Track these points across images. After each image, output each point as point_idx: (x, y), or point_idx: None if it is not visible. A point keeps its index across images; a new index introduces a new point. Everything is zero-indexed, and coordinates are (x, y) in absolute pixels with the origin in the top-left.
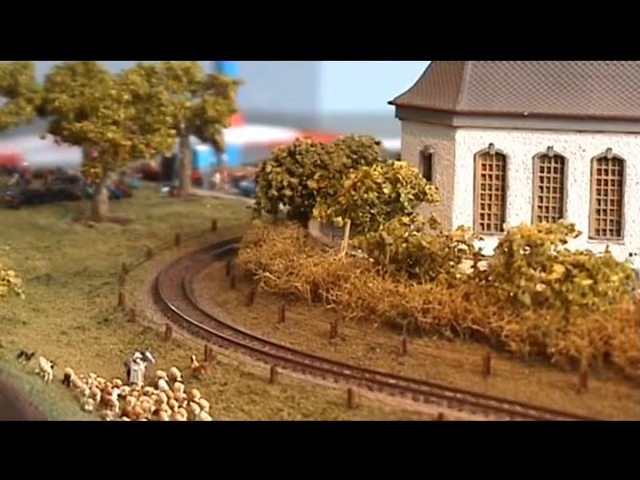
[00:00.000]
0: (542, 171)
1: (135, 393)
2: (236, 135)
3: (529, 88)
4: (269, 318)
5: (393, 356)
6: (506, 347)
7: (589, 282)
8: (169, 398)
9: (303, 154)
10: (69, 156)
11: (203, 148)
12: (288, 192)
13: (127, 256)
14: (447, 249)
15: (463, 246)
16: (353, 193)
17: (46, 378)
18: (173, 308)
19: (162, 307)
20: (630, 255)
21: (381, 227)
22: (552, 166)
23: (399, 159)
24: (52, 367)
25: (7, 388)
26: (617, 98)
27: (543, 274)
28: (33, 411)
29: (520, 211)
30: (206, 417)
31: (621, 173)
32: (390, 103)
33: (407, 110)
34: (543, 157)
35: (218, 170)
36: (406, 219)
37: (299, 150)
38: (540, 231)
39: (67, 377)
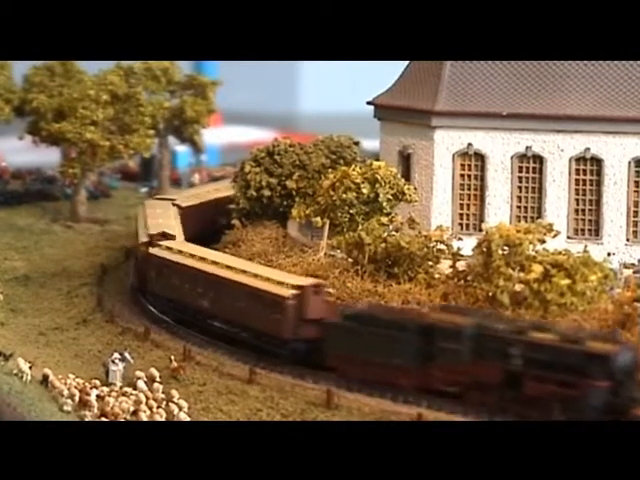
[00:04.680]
0: (521, 171)
1: (114, 394)
2: (215, 135)
3: (507, 88)
4: None
5: None
6: None
7: (567, 282)
8: (148, 399)
9: (282, 154)
10: (47, 157)
11: (182, 148)
12: (267, 192)
13: (106, 257)
14: (426, 249)
15: (442, 246)
16: (332, 193)
17: (24, 379)
18: (151, 308)
19: (141, 308)
20: (608, 255)
21: (360, 227)
22: (531, 166)
23: (378, 159)
24: (30, 368)
25: None
26: (595, 98)
27: (522, 274)
28: (11, 412)
29: (499, 211)
30: (185, 417)
31: (599, 173)
32: (369, 103)
33: (386, 110)
34: (522, 157)
35: (197, 170)
36: (385, 219)
37: (278, 150)
38: (519, 231)
39: (45, 378)
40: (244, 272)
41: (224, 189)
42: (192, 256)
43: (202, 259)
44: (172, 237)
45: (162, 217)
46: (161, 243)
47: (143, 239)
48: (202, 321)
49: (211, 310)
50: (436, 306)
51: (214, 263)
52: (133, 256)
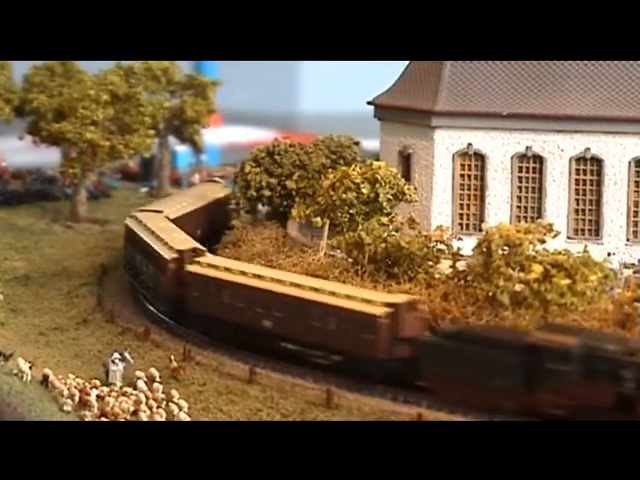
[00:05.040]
0: (521, 171)
1: (114, 394)
2: (215, 135)
3: (507, 88)
4: None
5: None
6: None
7: (567, 282)
8: (148, 399)
9: (282, 154)
10: (47, 157)
11: (182, 148)
12: (267, 192)
13: (106, 257)
14: (426, 249)
15: (442, 246)
16: (332, 193)
17: (24, 379)
18: (152, 309)
19: (141, 308)
20: (608, 255)
21: (360, 227)
22: (531, 166)
23: (378, 159)
24: (30, 368)
25: None
26: (596, 98)
27: (522, 274)
28: (11, 412)
29: (499, 211)
30: (185, 417)
31: (600, 173)
32: (369, 103)
33: (386, 110)
34: (522, 157)
35: (197, 170)
36: (385, 219)
37: (278, 150)
38: (519, 231)
39: (45, 378)
40: (317, 290)
41: (205, 193)
42: (244, 273)
43: (258, 277)
44: (202, 252)
45: (174, 231)
46: (200, 260)
47: (170, 255)
48: (264, 342)
49: (277, 331)
50: (541, 325)
51: (277, 281)
52: (150, 273)
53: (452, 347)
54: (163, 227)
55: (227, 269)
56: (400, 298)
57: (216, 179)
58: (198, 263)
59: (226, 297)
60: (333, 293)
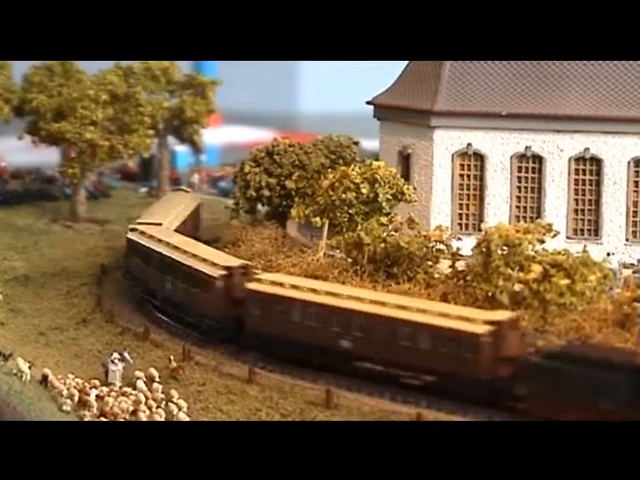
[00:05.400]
0: (520, 171)
1: (113, 394)
2: (215, 135)
3: (507, 88)
4: None
5: None
6: None
7: (567, 282)
8: (147, 398)
9: (281, 154)
10: (47, 157)
11: (181, 148)
12: (266, 192)
13: (105, 257)
14: (425, 249)
15: (441, 246)
16: (331, 193)
17: (24, 379)
18: (151, 309)
19: (140, 308)
20: (608, 255)
21: (359, 227)
22: (530, 166)
23: (377, 159)
24: (30, 368)
25: None
26: (595, 98)
27: (521, 274)
28: (11, 411)
29: (498, 211)
30: (184, 417)
31: (599, 173)
32: (368, 103)
33: (385, 110)
34: (521, 157)
35: (196, 170)
36: (384, 219)
37: (277, 150)
38: (518, 231)
39: (45, 378)
40: (405, 308)
41: (183, 203)
42: (315, 291)
43: (333, 294)
44: (251, 268)
45: (198, 245)
46: (262, 277)
47: (216, 273)
48: (340, 363)
49: (358, 351)
50: None
51: (355, 299)
52: (181, 291)
53: (555, 367)
54: (184, 241)
55: (294, 286)
56: (502, 316)
57: (184, 188)
58: (260, 280)
59: (296, 316)
60: (424, 311)
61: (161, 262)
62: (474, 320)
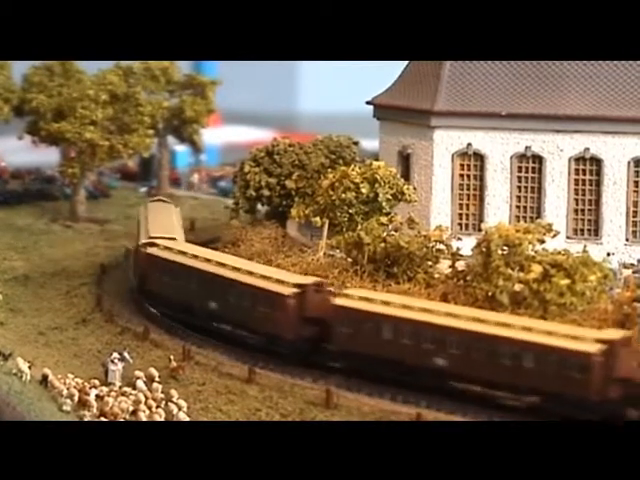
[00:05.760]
0: (520, 171)
1: (113, 393)
2: (215, 135)
3: (507, 88)
4: None
5: None
6: None
7: (567, 282)
8: (147, 398)
9: (281, 154)
10: (47, 156)
11: (181, 148)
12: (266, 192)
13: (105, 256)
14: (425, 249)
15: (441, 246)
16: (331, 193)
17: (24, 379)
18: (151, 309)
19: (140, 307)
20: (608, 255)
21: (359, 227)
22: (530, 166)
23: (377, 159)
24: (30, 367)
25: None
26: (595, 98)
27: (521, 274)
28: (11, 411)
29: (498, 211)
30: (184, 417)
31: (599, 173)
32: (368, 103)
33: (385, 110)
34: (521, 157)
35: (196, 170)
36: (384, 219)
37: (277, 150)
38: (518, 231)
39: (45, 377)
40: (508, 326)
41: (173, 213)
42: (408, 307)
43: (427, 311)
44: (325, 284)
45: (250, 262)
46: (350, 293)
47: (288, 291)
48: (434, 381)
49: (453, 370)
50: None
51: (452, 315)
52: (241, 309)
53: None
54: (234, 259)
55: (385, 302)
56: (615, 334)
57: (163, 198)
58: (348, 296)
59: (387, 333)
60: (528, 329)
61: (205, 279)
62: (584, 339)
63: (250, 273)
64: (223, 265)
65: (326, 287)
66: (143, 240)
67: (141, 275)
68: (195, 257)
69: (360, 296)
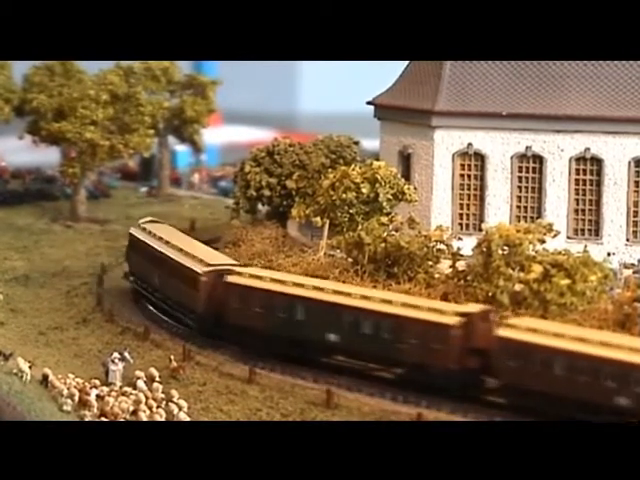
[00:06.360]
0: (520, 171)
1: (113, 393)
2: (215, 135)
3: (507, 88)
4: None
5: None
6: None
7: (567, 282)
8: (147, 398)
9: (282, 154)
10: (47, 156)
11: (182, 148)
12: (267, 192)
13: (106, 256)
14: (426, 249)
15: (442, 246)
16: (332, 193)
17: (24, 378)
18: (151, 308)
19: (141, 307)
20: (608, 255)
21: (360, 227)
22: (530, 166)
23: (378, 159)
24: (30, 367)
25: None
26: (595, 98)
27: (521, 274)
28: (11, 411)
29: (498, 211)
30: (185, 417)
31: (599, 173)
32: (369, 103)
33: (386, 110)
34: (521, 157)
35: (197, 170)
36: (385, 219)
37: (278, 150)
38: (518, 231)
39: (45, 377)
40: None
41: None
42: (582, 340)
43: (607, 345)
44: (491, 313)
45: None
46: (514, 322)
47: (452, 320)
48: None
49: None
50: None
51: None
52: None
53: None
54: (352, 287)
55: (557, 335)
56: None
57: (156, 219)
58: (512, 326)
59: (559, 368)
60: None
61: (320, 310)
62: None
63: (385, 301)
64: (341, 293)
65: (494, 316)
66: (201, 269)
67: (217, 308)
68: (300, 285)
69: (527, 327)
